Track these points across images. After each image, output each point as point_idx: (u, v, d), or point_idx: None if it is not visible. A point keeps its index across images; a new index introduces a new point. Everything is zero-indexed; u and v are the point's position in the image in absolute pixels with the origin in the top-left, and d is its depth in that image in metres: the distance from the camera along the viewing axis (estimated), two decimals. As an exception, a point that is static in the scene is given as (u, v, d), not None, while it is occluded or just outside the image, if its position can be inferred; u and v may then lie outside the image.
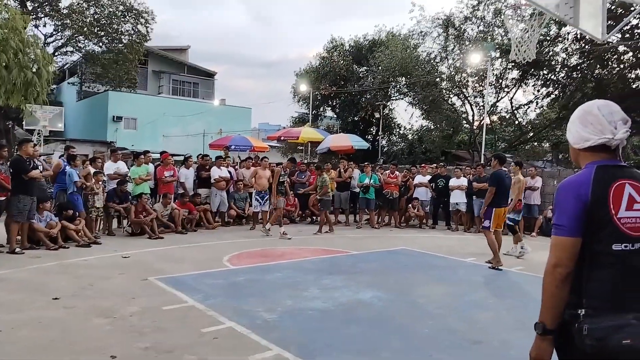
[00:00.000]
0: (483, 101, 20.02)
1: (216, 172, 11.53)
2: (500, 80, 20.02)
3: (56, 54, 25.85)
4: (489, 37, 18.82)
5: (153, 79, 35.54)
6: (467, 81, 20.50)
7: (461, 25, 19.75)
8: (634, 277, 1.77)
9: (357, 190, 12.62)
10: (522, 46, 5.69)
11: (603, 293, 1.75)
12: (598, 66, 17.24)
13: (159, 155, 11.87)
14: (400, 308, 5.36)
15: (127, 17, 26.89)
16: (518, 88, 20.33)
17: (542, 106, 20.80)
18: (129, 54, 26.85)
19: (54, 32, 25.91)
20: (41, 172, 8.21)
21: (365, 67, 24.62)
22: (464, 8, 19.28)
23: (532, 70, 18.08)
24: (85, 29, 25.11)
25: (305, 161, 17.07)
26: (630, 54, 16.67)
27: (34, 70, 10.60)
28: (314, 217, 12.82)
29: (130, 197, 10.16)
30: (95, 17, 26.07)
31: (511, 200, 8.78)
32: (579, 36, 16.80)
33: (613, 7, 12.82)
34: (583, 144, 1.90)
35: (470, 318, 5.05)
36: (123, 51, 26.76)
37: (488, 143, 19.37)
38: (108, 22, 26.31)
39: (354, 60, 25.37)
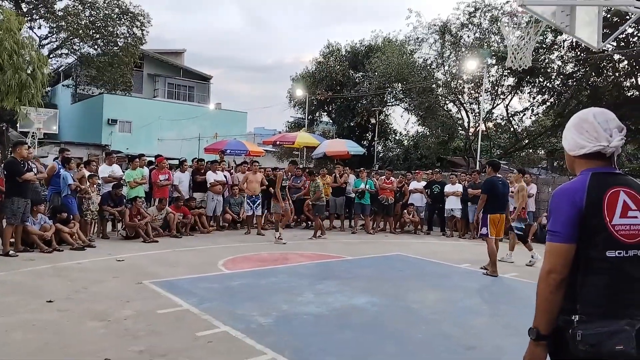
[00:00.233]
0: (479, 108, 20.13)
1: (212, 176, 11.52)
2: (496, 87, 20.14)
3: (51, 56, 25.80)
4: (485, 44, 18.95)
5: (148, 82, 35.50)
6: (463, 88, 20.62)
7: (458, 32, 19.89)
8: (627, 284, 1.79)
9: (353, 195, 12.63)
10: (518, 53, 5.75)
11: (597, 299, 1.77)
12: (593, 74, 17.38)
13: (153, 158, 11.85)
14: (395, 313, 5.37)
15: (123, 20, 26.92)
16: (514, 95, 20.47)
17: (538, 113, 20.94)
18: (124, 57, 26.85)
19: (49, 34, 25.91)
20: (35, 174, 8.17)
21: (361, 73, 24.71)
22: (461, 15, 19.44)
23: (528, 77, 18.21)
24: (80, 31, 25.09)
25: (301, 166, 17.07)
26: (626, 62, 16.82)
27: (29, 72, 10.59)
28: (309, 222, 12.81)
29: (124, 200, 10.13)
30: (91, 19, 26.07)
31: (514, 208, 8.81)
32: (574, 44, 16.96)
33: (609, 16, 12.95)
34: (578, 151, 1.92)
35: (464, 324, 5.06)
36: (118, 54, 26.76)
37: (483, 150, 19.49)
38: (103, 25, 26.32)
39: (350, 66, 25.47)
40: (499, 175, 7.90)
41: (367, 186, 12.30)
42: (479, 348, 4.32)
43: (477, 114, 20.49)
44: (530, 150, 23.60)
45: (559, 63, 18.08)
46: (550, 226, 1.85)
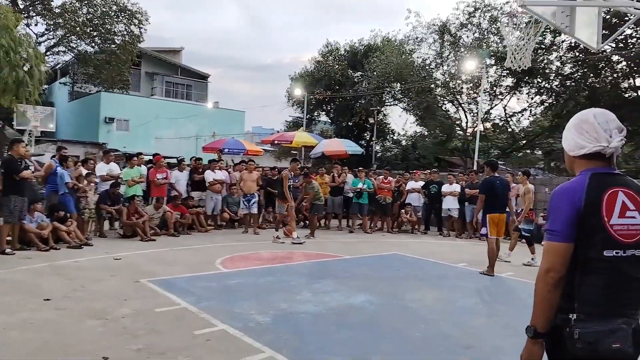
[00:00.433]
0: (477, 108, 20.18)
1: (211, 175, 11.51)
2: (495, 88, 20.18)
3: (48, 53, 25.69)
4: (485, 44, 18.99)
5: (146, 80, 35.40)
6: (462, 88, 20.66)
7: (457, 32, 19.93)
8: (625, 283, 1.80)
9: (350, 195, 12.64)
10: (517, 54, 5.76)
11: (594, 298, 1.78)
12: (591, 75, 17.43)
13: (152, 157, 11.84)
14: (392, 312, 5.37)
15: (120, 17, 26.79)
16: (512, 96, 20.51)
17: (535, 114, 21.00)
18: (121, 55, 26.74)
19: (46, 32, 25.77)
20: (33, 172, 8.15)
21: (360, 72, 24.74)
22: (460, 15, 19.49)
23: (527, 78, 18.26)
24: (77, 28, 24.97)
25: (299, 165, 17.06)
26: (624, 63, 16.88)
27: (26, 69, 10.54)
28: (306, 222, 12.82)
29: (122, 199, 10.11)
30: (88, 17, 25.95)
31: (521, 210, 8.79)
32: (573, 45, 17.00)
33: (608, 17, 13.00)
34: (578, 151, 1.93)
35: (462, 323, 5.07)
36: (116, 52, 26.65)
37: (481, 150, 19.52)
38: (101, 22, 26.20)
39: (349, 65, 25.50)
40: (497, 175, 7.89)
41: (365, 186, 12.30)
42: (477, 348, 4.33)
43: (476, 115, 20.54)
44: (528, 151, 23.68)
45: (558, 64, 18.13)
46: (549, 225, 1.86)
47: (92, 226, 9.92)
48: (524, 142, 22.39)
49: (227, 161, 14.79)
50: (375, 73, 21.67)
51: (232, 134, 24.92)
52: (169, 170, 11.34)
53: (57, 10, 24.45)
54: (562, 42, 17.20)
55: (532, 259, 8.48)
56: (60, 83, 32.95)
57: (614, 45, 15.35)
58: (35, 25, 25.25)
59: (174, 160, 13.24)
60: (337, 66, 25.06)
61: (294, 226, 10.09)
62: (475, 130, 19.46)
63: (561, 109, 18.54)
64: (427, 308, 5.61)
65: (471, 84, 20.13)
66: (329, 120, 28.30)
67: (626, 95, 17.25)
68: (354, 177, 12.97)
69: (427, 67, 21.13)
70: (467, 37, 19.84)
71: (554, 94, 18.95)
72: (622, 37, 14.88)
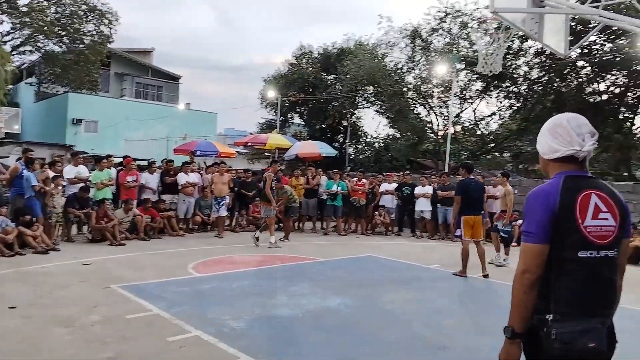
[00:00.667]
0: (448, 111, 20.48)
1: (183, 178, 11.32)
2: (465, 92, 20.54)
3: (13, 53, 24.90)
4: (455, 49, 19.31)
5: (115, 81, 34.69)
6: (433, 92, 20.96)
7: (428, 37, 20.21)
8: (599, 283, 1.85)
9: (325, 197, 12.64)
10: (488, 59, 5.88)
11: (570, 298, 1.81)
12: (557, 80, 17.93)
13: (121, 159, 11.57)
14: (368, 314, 5.39)
15: (90, 17, 26.22)
16: (482, 99, 20.91)
17: (504, 117, 21.46)
18: (90, 55, 26.14)
19: (12, 31, 24.98)
20: (-3, 175, 7.87)
21: (333, 75, 24.84)
22: (432, 20, 19.76)
23: (496, 82, 18.65)
24: (45, 28, 24.29)
25: (279, 166, 16.97)
26: (588, 69, 17.43)
27: (-10, 69, 10.20)
28: (280, 224, 12.73)
29: (91, 202, 9.85)
30: (56, 16, 25.29)
31: (501, 211, 8.85)
32: (539, 50, 17.46)
33: (573, 24, 13.42)
34: (552, 154, 1.97)
35: (436, 324, 5.13)
36: (84, 52, 26.03)
37: (452, 152, 19.83)
38: (69, 22, 25.57)
39: (322, 68, 25.56)
40: (472, 177, 7.94)
41: (340, 188, 12.32)
42: (451, 348, 4.38)
43: (446, 118, 20.87)
44: (497, 154, 24.15)
45: (525, 69, 18.58)
46: (525, 227, 1.89)
47: (59, 231, 9.62)
48: (493, 144, 22.85)
49: (200, 163, 14.60)
50: (348, 76, 21.79)
51: (203, 135, 24.64)
52: (139, 173, 11.11)
53: (23, 9, 23.72)
54: (530, 47, 17.65)
55: (504, 260, 8.59)
56: (26, 83, 31.97)
57: (578, 51, 15.85)
58: (1, 23, 24.45)
59: (145, 163, 12.97)
60: (310, 69, 25.12)
61: (273, 230, 9.91)
62: (446, 133, 19.77)
63: (529, 113, 19.00)
64: (401, 309, 5.65)
65: (442, 88, 20.45)
66: (303, 123, 28.29)
67: (590, 99, 17.80)
68: (328, 179, 12.98)
69: (399, 71, 21.36)
70: (438, 41, 20.18)
71: (522, 98, 19.41)
72: (587, 43, 15.38)
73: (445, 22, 19.50)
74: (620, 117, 17.52)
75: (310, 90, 24.83)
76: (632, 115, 17.99)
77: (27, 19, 23.77)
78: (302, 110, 26.84)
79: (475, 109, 21.54)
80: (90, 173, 10.53)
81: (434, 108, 21.52)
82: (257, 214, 12.58)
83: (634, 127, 18.09)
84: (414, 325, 5.05)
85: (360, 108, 25.04)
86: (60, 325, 4.45)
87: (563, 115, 2.01)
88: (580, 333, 1.77)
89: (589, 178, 1.94)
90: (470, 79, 19.92)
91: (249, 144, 18.27)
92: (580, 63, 17.03)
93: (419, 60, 20.82)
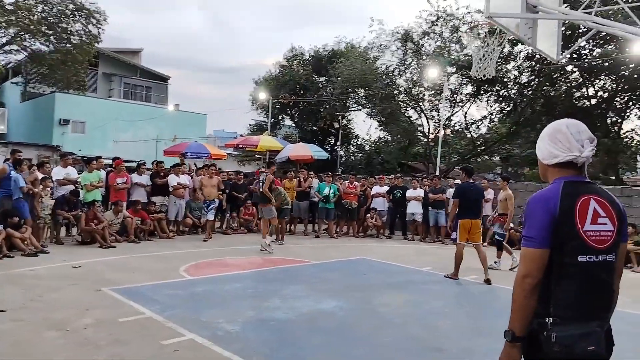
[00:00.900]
0: (439, 115, 20.58)
1: (174, 180, 11.24)
2: (455, 95, 20.67)
3: (-1, 52, 24.61)
4: (446, 53, 19.43)
5: (103, 81, 34.42)
6: (424, 95, 21.06)
7: (419, 40, 20.31)
8: (597, 287, 1.87)
9: (316, 199, 12.65)
10: (482, 63, 5.93)
11: (569, 302, 1.83)
12: (547, 84, 18.11)
13: (111, 161, 11.46)
14: (362, 317, 5.40)
15: (78, 16, 25.97)
16: (472, 103, 21.05)
17: (494, 121, 21.63)
18: (78, 55, 25.88)
19: (-3, 30, 24.67)
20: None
21: (324, 77, 24.85)
22: (423, 23, 19.85)
23: (486, 86, 18.78)
24: (32, 26, 24.01)
25: (263, 169, 16.95)
26: (577, 73, 17.64)
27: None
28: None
29: (80, 204, 9.75)
30: (43, 15, 25.02)
31: (499, 214, 8.76)
32: (530, 55, 17.64)
33: (562, 29, 13.63)
34: (551, 160, 2.00)
35: (430, 326, 5.16)
36: (72, 52, 25.77)
37: (442, 156, 19.95)
38: (57, 21, 25.32)
39: (313, 70, 25.55)
40: (472, 181, 7.89)
41: (332, 191, 12.32)
42: (446, 350, 4.40)
43: (437, 121, 20.98)
44: (486, 157, 24.34)
45: (516, 73, 18.75)
46: (526, 232, 1.91)
47: (47, 233, 9.50)
48: (483, 148, 23.02)
49: (190, 165, 14.53)
50: (339, 78, 21.82)
51: (193, 137, 24.52)
52: (129, 175, 11.01)
53: (9, 7, 23.42)
54: (520, 52, 17.81)
55: (495, 262, 8.61)
56: (12, 83, 31.58)
57: (568, 56, 16.08)
58: (-15, 22, 24.12)
59: (134, 164, 12.84)
60: (301, 71, 25.10)
61: (266, 233, 9.80)
62: (436, 136, 19.87)
63: (519, 117, 19.16)
64: (395, 312, 5.67)
65: (433, 91, 20.56)
66: (294, 125, 28.26)
67: (579, 104, 18.00)
68: (320, 181, 12.98)
69: (391, 74, 21.43)
70: (429, 45, 20.27)
71: (512, 101, 19.57)
72: (576, 48, 15.60)
73: (436, 25, 19.61)
74: (609, 121, 17.76)
75: (302, 92, 24.83)
76: (620, 120, 18.24)
77: (13, 18, 23.48)
78: (293, 113, 26.83)
79: (466, 113, 21.71)
80: (79, 174, 10.43)
81: (424, 111, 21.62)
82: (248, 217, 12.55)
83: (621, 132, 18.35)
84: (409, 327, 5.06)
85: (351, 110, 25.08)
86: (53, 329, 4.39)
87: (562, 121, 2.03)
88: (579, 336, 1.79)
89: (587, 183, 1.96)
90: (461, 83, 20.05)
91: (240, 145, 18.18)
92: (569, 68, 17.23)
93: (410, 63, 20.92)
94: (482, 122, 21.64)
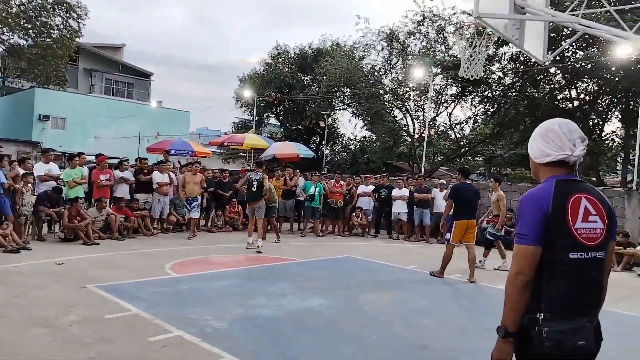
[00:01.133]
0: (424, 115, 20.70)
1: (158, 177, 11.13)
2: (440, 96, 20.83)
3: (-25, 46, 24.06)
4: (431, 53, 19.56)
5: (84, 77, 33.92)
6: (409, 95, 21.17)
7: (405, 40, 20.41)
8: (587, 283, 1.91)
9: (302, 198, 12.65)
10: (470, 64, 6.01)
11: (560, 298, 1.87)
12: (530, 86, 18.35)
13: (94, 157, 11.29)
14: (348, 315, 5.43)
15: (58, 10, 25.53)
16: (457, 104, 21.23)
17: (477, 122, 21.84)
18: (58, 50, 25.45)
19: (-27, 22, 24.11)
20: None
21: (310, 76, 24.80)
22: (409, 23, 19.95)
23: (471, 87, 18.95)
24: (10, 20, 23.52)
25: (248, 168, 16.87)
26: (560, 75, 17.93)
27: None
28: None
29: (63, 200, 9.59)
30: (22, 8, 24.53)
31: (493, 215, 8.84)
32: (514, 56, 17.87)
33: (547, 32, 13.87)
34: (543, 159, 2.04)
35: (416, 324, 5.21)
36: (52, 46, 25.34)
37: (426, 156, 20.12)
38: (36, 15, 24.85)
39: (299, 69, 25.48)
40: (468, 182, 7.92)
41: (318, 189, 12.34)
42: (431, 348, 4.45)
43: (422, 121, 21.11)
44: (470, 157, 24.59)
45: (500, 74, 18.97)
46: (518, 230, 1.94)
47: (29, 229, 9.33)
48: (466, 149, 23.25)
49: (174, 162, 14.40)
50: (325, 77, 21.81)
51: (176, 134, 24.29)
52: (112, 172, 10.87)
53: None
54: (504, 53, 18.03)
55: (480, 262, 8.65)
56: (-11, 77, 30.93)
57: (551, 58, 16.36)
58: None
59: (116, 161, 12.66)
60: (286, 69, 25.02)
61: (251, 230, 9.73)
62: (421, 136, 20.00)
63: (503, 118, 19.38)
64: (381, 310, 5.71)
65: (418, 92, 20.68)
66: (279, 123, 28.18)
67: (562, 105, 18.27)
68: (305, 180, 12.99)
69: (376, 74, 21.51)
70: (415, 45, 20.39)
71: (496, 103, 19.77)
72: (560, 50, 15.87)
73: (422, 25, 19.72)
74: (590, 123, 18.07)
75: (287, 90, 24.76)
76: (602, 122, 18.58)
77: (-9, 11, 22.99)
78: (278, 111, 26.75)
79: (451, 113, 21.89)
80: (61, 171, 10.26)
81: (410, 111, 21.76)
82: (233, 215, 12.49)
83: (603, 134, 18.69)
84: (395, 325, 5.11)
85: (336, 109, 25.11)
86: (38, 326, 4.33)
87: (554, 121, 2.07)
88: (570, 332, 1.83)
89: (578, 182, 2.00)
90: (446, 83, 20.21)
91: (226, 143, 18.11)
92: (552, 70, 17.49)
93: (396, 63, 21.02)
94: (467, 122, 21.84)
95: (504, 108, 19.15)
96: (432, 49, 19.66)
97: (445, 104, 21.32)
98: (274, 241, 10.68)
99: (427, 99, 19.08)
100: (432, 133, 21.82)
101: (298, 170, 13.49)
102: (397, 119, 22.73)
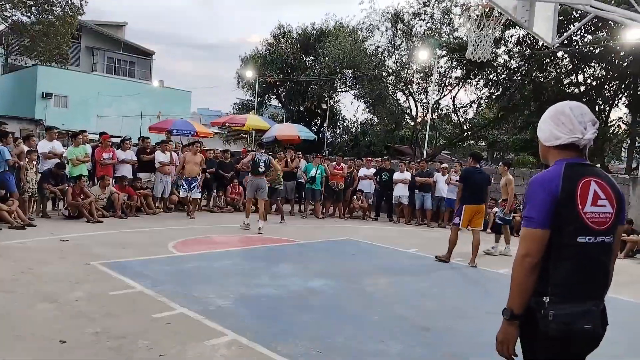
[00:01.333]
0: (427, 98, 20.53)
1: (160, 156, 11.13)
2: (444, 78, 20.63)
3: (-22, 22, 23.83)
4: (436, 35, 19.31)
5: (86, 55, 33.66)
6: (413, 77, 20.97)
7: (410, 21, 20.14)
8: (594, 267, 1.92)
9: (303, 180, 12.66)
10: (478, 46, 5.96)
11: (567, 282, 1.88)
12: (536, 69, 18.12)
13: (97, 136, 11.28)
14: (350, 296, 5.49)
15: (60, -14, 25.18)
16: (461, 87, 21.03)
17: (482, 106, 21.65)
18: (60, 27, 25.15)
19: (-24, -1, 23.83)
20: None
21: (312, 57, 24.54)
22: (414, 3, 19.65)
23: (476, 70, 18.74)
24: (12, -4, 23.24)
25: (249, 149, 16.84)
26: (567, 60, 17.69)
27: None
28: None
29: (66, 178, 9.62)
30: (24, -16, 24.20)
31: (503, 200, 8.79)
32: (521, 39, 17.62)
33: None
34: (554, 141, 2.02)
35: (416, 306, 5.27)
36: (54, 23, 25.04)
37: (429, 140, 20.04)
38: (38, -9, 24.52)
39: (301, 49, 25.18)
40: (479, 167, 7.87)
41: (318, 171, 12.34)
42: (432, 329, 4.50)
43: (425, 104, 20.96)
44: (472, 142, 24.47)
45: (506, 57, 18.73)
46: (527, 212, 1.94)
47: (34, 206, 9.38)
48: (469, 132, 23.11)
49: (176, 142, 14.38)
50: (327, 58, 21.58)
51: (177, 114, 24.21)
52: (115, 150, 10.86)
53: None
54: (511, 36, 17.77)
55: (493, 247, 8.66)
56: (-8, 54, 30.72)
57: (559, 42, 16.15)
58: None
59: (118, 140, 12.63)
60: (289, 49, 24.74)
61: (249, 211, 9.76)
62: (425, 119, 19.87)
63: (507, 102, 19.22)
64: (382, 291, 5.77)
65: (422, 74, 20.49)
66: (280, 105, 28.00)
67: (568, 90, 18.03)
68: (306, 162, 12.99)
69: (380, 55, 21.29)
70: (420, 26, 20.14)
71: (501, 86, 19.56)
72: (568, 34, 15.66)
73: (428, 6, 19.44)
74: (597, 109, 17.87)
75: (289, 71, 24.54)
76: (609, 108, 18.32)
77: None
78: (280, 92, 26.55)
79: (454, 96, 21.70)
80: (64, 149, 10.26)
81: (413, 94, 21.58)
82: (235, 196, 12.52)
83: (609, 120, 18.48)
84: (396, 307, 5.16)
85: (338, 92, 24.91)
86: (45, 301, 4.39)
87: (565, 103, 2.05)
88: (577, 315, 1.84)
89: (587, 166, 1.99)
90: (450, 66, 19.99)
91: (227, 124, 18.05)
92: (559, 54, 17.26)
93: (400, 44, 20.78)
94: (471, 106, 21.65)
95: (509, 92, 18.96)
96: (437, 31, 19.41)
97: (449, 87, 21.13)
98: (279, 222, 10.72)
99: (431, 82, 18.91)
100: (435, 116, 21.70)
101: (300, 152, 13.47)
102: (399, 101, 22.57)
